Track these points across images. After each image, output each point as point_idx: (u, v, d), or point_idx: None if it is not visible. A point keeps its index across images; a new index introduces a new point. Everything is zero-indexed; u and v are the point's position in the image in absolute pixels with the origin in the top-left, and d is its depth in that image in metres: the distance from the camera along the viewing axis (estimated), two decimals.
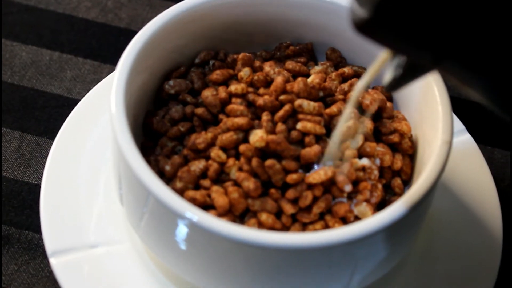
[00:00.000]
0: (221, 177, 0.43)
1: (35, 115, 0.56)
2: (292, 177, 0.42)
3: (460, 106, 0.59)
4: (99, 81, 0.57)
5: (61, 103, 0.57)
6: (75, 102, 0.55)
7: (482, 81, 0.34)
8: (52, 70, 0.59)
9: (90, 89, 0.55)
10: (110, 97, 0.43)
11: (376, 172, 0.44)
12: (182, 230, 0.40)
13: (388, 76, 0.37)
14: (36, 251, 0.50)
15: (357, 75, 0.48)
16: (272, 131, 0.43)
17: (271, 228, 0.42)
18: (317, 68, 0.48)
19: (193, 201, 0.42)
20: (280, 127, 0.43)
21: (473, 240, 0.49)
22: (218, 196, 0.42)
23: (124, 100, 0.43)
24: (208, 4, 0.47)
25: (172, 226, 0.41)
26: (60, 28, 0.62)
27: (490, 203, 0.50)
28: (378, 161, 0.44)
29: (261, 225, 0.42)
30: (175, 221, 0.40)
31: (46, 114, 0.57)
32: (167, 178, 0.44)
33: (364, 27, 0.33)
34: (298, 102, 0.44)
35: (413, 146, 0.46)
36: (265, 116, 0.43)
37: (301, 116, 0.44)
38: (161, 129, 0.45)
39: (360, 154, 0.44)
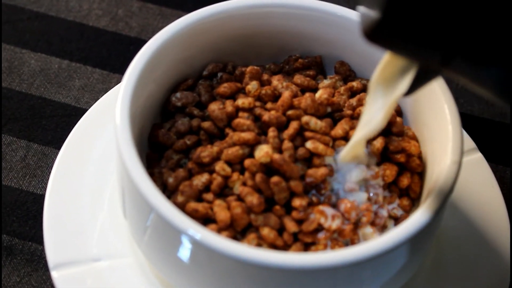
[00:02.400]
0: (224, 192, 0.43)
1: (42, 124, 0.56)
2: (297, 203, 0.41)
3: (472, 124, 0.58)
4: (107, 91, 0.57)
5: (69, 112, 0.57)
6: (83, 111, 0.55)
7: (492, 75, 0.33)
8: (61, 79, 0.59)
9: (98, 99, 0.54)
10: (115, 108, 0.42)
11: (380, 198, 0.43)
12: (184, 247, 0.40)
13: (402, 83, 0.38)
14: (39, 262, 0.49)
15: (366, 90, 0.47)
16: (278, 148, 0.43)
17: (272, 243, 0.41)
18: (326, 82, 0.47)
19: (195, 212, 0.41)
20: (287, 144, 0.42)
21: (482, 260, 0.49)
22: (220, 210, 0.41)
23: (130, 112, 0.42)
24: (217, 16, 0.47)
25: (174, 242, 0.40)
26: (70, 36, 0.61)
27: (500, 224, 0.49)
28: (381, 182, 0.43)
29: (261, 240, 0.41)
30: (177, 237, 0.39)
31: (53, 123, 0.56)
32: (170, 191, 0.43)
33: (372, 33, 0.33)
34: (305, 119, 0.43)
35: (422, 164, 0.45)
36: (271, 132, 0.43)
37: (309, 134, 0.43)
38: (167, 142, 0.45)
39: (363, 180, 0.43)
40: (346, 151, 0.43)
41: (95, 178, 0.50)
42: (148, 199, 0.39)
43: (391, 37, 0.33)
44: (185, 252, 0.40)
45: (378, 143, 0.44)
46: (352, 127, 0.44)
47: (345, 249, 0.38)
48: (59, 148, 0.52)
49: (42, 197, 0.52)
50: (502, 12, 0.31)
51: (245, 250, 0.38)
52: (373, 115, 0.40)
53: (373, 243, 0.38)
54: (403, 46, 0.34)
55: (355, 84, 0.47)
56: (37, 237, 0.50)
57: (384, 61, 0.39)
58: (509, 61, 0.33)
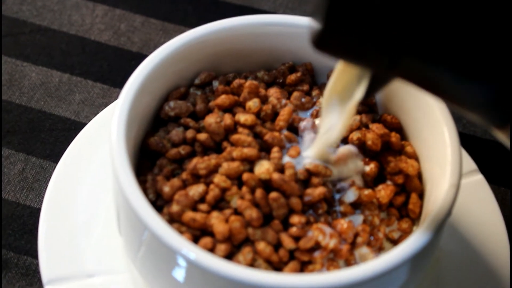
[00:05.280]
0: (219, 204, 0.42)
1: (41, 138, 0.56)
2: (296, 219, 0.41)
3: (474, 145, 0.57)
4: (107, 105, 0.56)
5: (68, 127, 0.57)
6: (82, 125, 0.54)
7: (444, 77, 0.34)
8: (61, 92, 0.59)
9: (98, 113, 0.54)
10: (111, 126, 0.42)
11: (376, 219, 0.42)
12: (178, 266, 0.39)
13: (357, 92, 0.39)
14: (34, 277, 0.49)
15: (363, 110, 0.47)
16: (280, 169, 0.42)
17: (267, 259, 0.40)
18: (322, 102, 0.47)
19: (193, 222, 0.40)
20: (290, 164, 0.42)
21: (481, 283, 0.48)
22: (218, 222, 0.41)
23: (126, 129, 0.42)
24: (216, 34, 0.47)
25: (168, 261, 0.40)
26: (71, 50, 0.61)
27: (500, 247, 0.49)
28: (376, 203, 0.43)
29: (256, 254, 0.40)
30: (171, 256, 0.39)
31: (52, 137, 0.56)
32: (164, 200, 0.42)
33: (318, 42, 0.34)
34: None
35: (421, 184, 0.45)
36: (276, 153, 0.42)
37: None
38: (160, 150, 0.44)
39: (357, 203, 0.43)
40: (312, 154, 0.43)
41: (92, 193, 0.50)
42: (143, 218, 0.39)
43: (334, 44, 0.34)
44: (179, 270, 0.40)
45: (370, 169, 0.44)
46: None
47: (341, 271, 0.38)
48: (57, 162, 0.52)
49: (38, 211, 0.52)
50: (442, 10, 0.32)
51: (240, 271, 0.38)
52: (331, 125, 0.41)
53: (369, 265, 0.38)
54: (348, 52, 0.35)
55: None
56: (33, 251, 0.50)
57: (336, 72, 0.40)
58: (452, 63, 0.33)
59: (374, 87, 0.38)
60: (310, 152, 0.43)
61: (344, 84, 0.40)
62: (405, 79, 0.35)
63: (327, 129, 0.41)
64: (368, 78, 0.38)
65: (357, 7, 0.32)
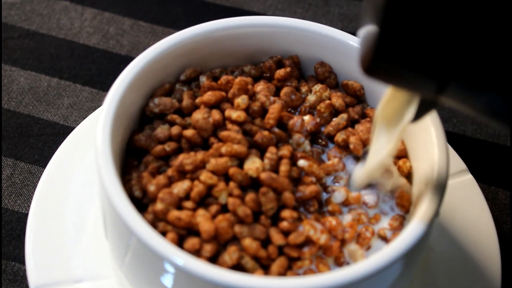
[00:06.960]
0: (205, 201, 0.42)
1: (29, 143, 0.56)
2: (288, 214, 0.41)
3: (465, 145, 0.57)
4: (96, 109, 0.56)
5: (57, 131, 0.56)
6: (71, 130, 0.54)
7: (486, 100, 0.34)
8: (50, 97, 0.58)
9: (87, 117, 0.54)
10: (96, 131, 0.42)
11: (363, 217, 0.42)
12: (166, 271, 0.39)
13: (405, 116, 0.39)
14: (21, 283, 0.49)
15: (349, 105, 0.47)
16: (274, 168, 0.42)
17: (254, 255, 0.40)
18: (311, 98, 0.46)
19: (178, 221, 0.40)
20: (285, 160, 0.42)
21: (471, 284, 0.48)
22: (204, 220, 0.40)
23: (111, 134, 0.42)
24: (203, 35, 0.47)
25: (155, 266, 0.40)
26: (60, 54, 0.61)
27: (489, 248, 0.49)
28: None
29: (243, 251, 0.40)
30: (158, 262, 0.39)
31: (41, 142, 0.56)
32: (150, 199, 0.42)
33: (370, 69, 0.35)
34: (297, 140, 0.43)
35: (410, 181, 0.45)
36: (272, 155, 0.42)
37: (301, 154, 0.43)
38: (146, 147, 0.44)
39: (344, 204, 0.43)
40: (361, 181, 0.44)
41: (79, 198, 0.50)
42: (128, 223, 0.39)
43: (385, 71, 0.35)
44: (166, 276, 0.39)
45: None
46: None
47: (327, 274, 0.38)
48: (45, 166, 0.52)
49: (27, 216, 0.51)
50: (489, 40, 0.32)
51: (228, 276, 0.37)
52: (381, 146, 0.42)
53: (351, 269, 0.38)
54: (399, 79, 0.36)
55: (337, 103, 0.46)
56: (21, 257, 0.50)
57: (385, 97, 0.40)
58: (500, 87, 0.33)
59: (422, 110, 0.39)
60: (359, 174, 0.44)
61: (393, 109, 0.40)
62: (452, 102, 0.36)
63: (376, 151, 0.42)
64: (416, 102, 0.39)
65: (407, 36, 0.33)
